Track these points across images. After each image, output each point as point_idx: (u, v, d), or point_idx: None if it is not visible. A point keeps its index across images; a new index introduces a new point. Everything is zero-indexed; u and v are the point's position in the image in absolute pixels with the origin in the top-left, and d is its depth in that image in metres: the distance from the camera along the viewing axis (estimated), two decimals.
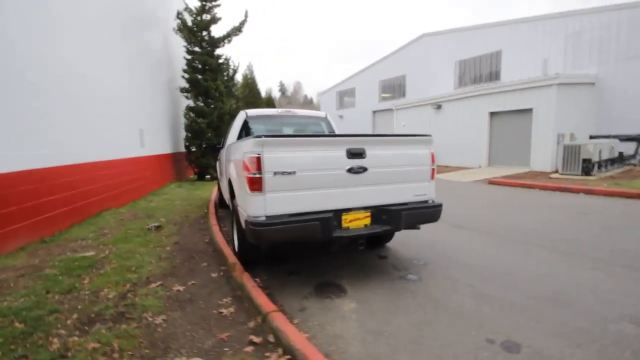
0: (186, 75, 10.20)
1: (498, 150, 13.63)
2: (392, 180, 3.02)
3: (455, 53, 18.10)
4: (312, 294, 2.85)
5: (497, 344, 2.12)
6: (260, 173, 2.55)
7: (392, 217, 2.96)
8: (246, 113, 4.62)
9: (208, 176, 11.27)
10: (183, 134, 10.88)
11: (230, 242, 4.09)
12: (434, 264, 3.49)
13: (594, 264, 3.36)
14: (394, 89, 22.17)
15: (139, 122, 7.85)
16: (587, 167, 9.58)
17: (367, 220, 2.98)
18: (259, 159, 2.56)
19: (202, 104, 10.22)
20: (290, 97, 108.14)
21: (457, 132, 14.85)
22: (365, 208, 2.95)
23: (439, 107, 15.70)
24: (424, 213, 3.11)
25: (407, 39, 21.40)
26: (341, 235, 2.80)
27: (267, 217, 2.61)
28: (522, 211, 6.04)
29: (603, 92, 13.01)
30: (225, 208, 6.51)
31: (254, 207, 2.61)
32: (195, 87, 10.19)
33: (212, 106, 10.43)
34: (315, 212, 2.75)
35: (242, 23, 10.53)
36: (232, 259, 3.40)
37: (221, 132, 10.83)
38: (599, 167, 10.09)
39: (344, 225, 2.87)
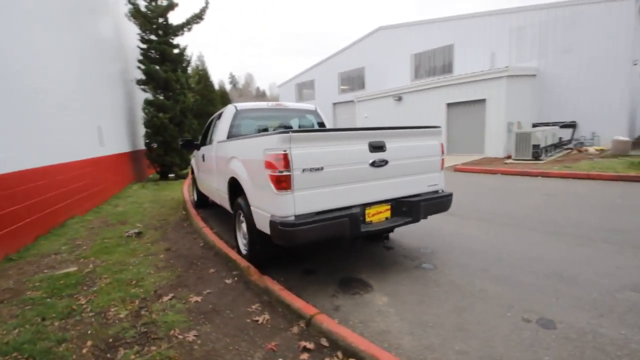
0: (142, 67, 9.34)
1: (455, 139, 14.49)
2: (409, 172, 3.05)
3: (411, 46, 18.78)
4: (339, 292, 2.79)
5: (533, 322, 2.25)
6: (288, 170, 2.41)
7: (412, 209, 3.00)
8: (235, 107, 4.35)
9: (172, 175, 10.54)
10: (141, 130, 10.01)
11: (228, 244, 3.86)
12: (441, 251, 3.62)
13: (580, 241, 3.71)
14: (353, 80, 22.47)
15: (96, 118, 7.05)
16: (537, 152, 10.59)
17: (388, 214, 2.98)
18: (286, 156, 2.41)
19: (162, 98, 9.44)
20: (242, 90, 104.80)
21: (417, 123, 15.50)
22: (385, 201, 2.95)
23: (399, 98, 16.24)
24: (438, 203, 3.19)
25: (362, 32, 21.81)
26: (368, 230, 2.77)
27: (296, 216, 2.49)
28: (497, 196, 6.49)
29: (543, 83, 14.40)
30: (205, 208, 6.18)
31: (282, 206, 2.47)
32: (153, 79, 9.38)
33: (174, 100, 9.70)
34: (342, 208, 2.69)
35: (203, 10, 9.86)
36: (242, 262, 3.21)
37: (184, 127, 10.18)
38: (546, 152, 11.21)
39: (367, 219, 2.85)
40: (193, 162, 6.37)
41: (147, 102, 9.44)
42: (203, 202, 6.32)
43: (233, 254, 3.45)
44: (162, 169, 10.19)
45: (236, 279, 3.03)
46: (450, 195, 3.29)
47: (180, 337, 2.14)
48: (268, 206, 2.62)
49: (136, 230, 4.68)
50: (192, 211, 5.74)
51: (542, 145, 10.74)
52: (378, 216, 2.91)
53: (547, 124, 13.75)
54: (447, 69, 17.46)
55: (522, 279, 2.87)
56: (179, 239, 4.40)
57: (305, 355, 1.93)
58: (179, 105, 9.71)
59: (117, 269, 3.32)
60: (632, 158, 8.79)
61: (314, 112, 5.00)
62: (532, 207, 5.32)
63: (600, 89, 13.00)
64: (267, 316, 2.36)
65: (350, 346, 1.89)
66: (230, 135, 4.23)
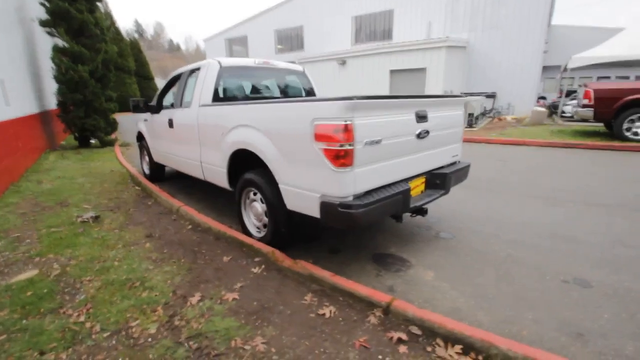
0: (47, 4, 7.19)
1: None
2: (442, 143, 2.96)
3: (352, 8, 18.33)
4: (381, 270, 2.66)
5: (571, 283, 2.46)
6: (351, 144, 2.08)
7: (444, 181, 2.94)
8: (219, 62, 3.62)
9: (93, 140, 8.80)
10: (50, 85, 7.96)
11: (232, 227, 3.38)
12: (448, 219, 3.72)
13: (562, 205, 4.16)
14: (291, 40, 21.27)
15: None
16: (471, 120, 11.65)
17: (422, 187, 2.88)
18: (350, 127, 2.06)
19: (78, 46, 7.51)
20: (151, 41, 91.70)
21: (361, 88, 15.60)
22: (421, 174, 2.83)
23: (343, 62, 15.99)
24: (462, 174, 3.20)
25: None
26: (415, 205, 2.64)
27: (354, 196, 2.20)
28: None
29: (471, 55, 15.62)
30: (162, 181, 5.34)
31: (340, 185, 2.15)
32: (63, 21, 7.34)
33: (94, 49, 7.83)
34: (392, 184, 2.48)
35: None
36: (261, 246, 2.81)
37: (107, 83, 8.44)
38: (476, 119, 12.42)
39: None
40: (143, 127, 5.32)
41: (58, 50, 7.41)
42: (158, 175, 5.44)
43: (244, 238, 3.01)
44: (82, 135, 8.41)
45: (263, 266, 2.65)
46: (469, 165, 3.33)
47: (247, 347, 1.78)
48: (317, 185, 2.26)
49: (92, 214, 3.77)
50: (152, 186, 4.87)
51: (476, 113, 11.85)
52: (415, 190, 2.79)
53: (473, 94, 15.15)
54: (387, 34, 17.63)
55: (534, 242, 3.11)
56: (154, 222, 3.69)
57: (403, 348, 1.78)
58: (101, 55, 7.89)
59: (99, 268, 2.62)
60: (549, 126, 10.31)
61: (303, 74, 4.50)
62: (496, 171, 5.83)
63: (517, 65, 14.66)
64: (331, 308, 2.11)
65: (452, 332, 1.79)
66: (217, 98, 3.56)
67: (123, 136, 10.60)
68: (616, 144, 7.17)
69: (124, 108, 15.22)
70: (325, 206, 2.21)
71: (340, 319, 2.04)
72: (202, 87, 3.59)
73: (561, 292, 2.33)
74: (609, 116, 7.38)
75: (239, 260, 2.76)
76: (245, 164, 3.11)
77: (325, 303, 2.18)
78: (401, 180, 2.57)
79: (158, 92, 4.74)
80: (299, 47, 20.93)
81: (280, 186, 2.57)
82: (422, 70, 13.82)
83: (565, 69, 15.20)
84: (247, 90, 3.95)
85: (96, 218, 3.74)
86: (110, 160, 7.17)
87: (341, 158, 2.10)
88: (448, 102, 2.95)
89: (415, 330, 1.90)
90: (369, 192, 2.30)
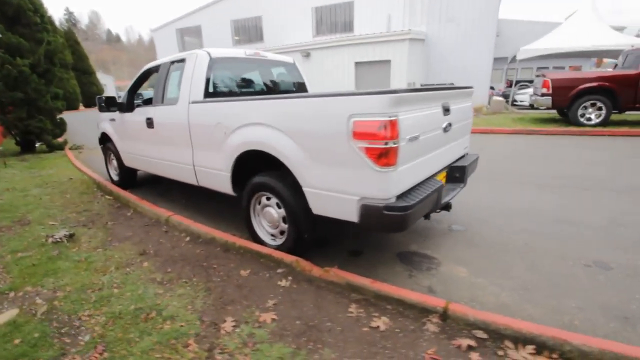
0: None
1: None
2: (459, 135, 2.91)
3: None
4: (412, 270, 2.56)
5: (593, 267, 2.54)
6: (395, 141, 1.92)
7: (463, 174, 2.91)
8: (209, 53, 3.25)
9: (39, 144, 7.74)
10: None
11: (242, 236, 3.08)
12: (452, 210, 3.73)
13: (553, 190, 4.36)
14: (249, 31, 20.42)
15: None
16: None
17: (444, 181, 2.82)
18: (395, 123, 1.90)
19: (15, 36, 6.45)
20: (86, 32, 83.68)
21: (326, 80, 15.46)
22: (443, 168, 2.76)
23: (307, 54, 15.70)
24: (475, 165, 3.19)
25: None
26: (445, 200, 2.56)
27: (397, 197, 2.06)
28: None
29: (429, 47, 16.13)
30: (134, 187, 4.81)
31: (384, 186, 1.99)
32: None
33: (33, 39, 6.80)
34: (424, 181, 2.38)
35: None
36: (284, 256, 2.57)
37: (52, 79, 7.42)
38: None
39: None
40: (109, 128, 4.71)
41: None
42: (129, 181, 4.89)
43: (260, 247, 2.74)
44: (26, 138, 7.34)
45: (290, 278, 2.42)
46: (478, 156, 3.34)
47: None
48: (354, 187, 2.08)
49: (64, 232, 3.23)
50: (127, 194, 4.34)
51: None
52: None
53: (432, 85, 15.73)
54: (349, 27, 17.59)
55: (544, 229, 3.20)
56: (142, 236, 3.26)
57: (475, 356, 1.68)
58: (43, 46, 6.88)
59: (96, 298, 2.22)
60: (508, 115, 10.97)
61: (293, 67, 4.24)
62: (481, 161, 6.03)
63: (471, 57, 15.41)
64: (384, 319, 1.96)
65: (519, 332, 1.73)
66: (208, 93, 3.20)
67: (72, 138, 9.46)
68: (574, 129, 7.80)
69: (67, 106, 13.62)
70: (367, 209, 2.03)
71: (397, 330, 1.89)
72: (190, 82, 3.20)
73: (589, 277, 2.40)
74: (565, 104, 7.99)
75: (260, 274, 2.50)
76: (253, 167, 2.83)
77: (374, 314, 2.03)
78: (430, 177, 2.48)
79: (128, 88, 4.20)
80: (258, 39, 20.19)
81: (305, 189, 2.34)
82: (387, 62, 14.00)
83: (513, 60, 16.31)
84: (240, 84, 3.61)
85: (71, 236, 3.21)
86: (65, 167, 6.33)
87: (385, 157, 1.93)
88: (464, 93, 2.90)
89: (480, 334, 1.82)
90: (406, 192, 2.18)
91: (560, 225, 3.25)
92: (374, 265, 2.67)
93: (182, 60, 3.37)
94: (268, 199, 2.71)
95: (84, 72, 26.03)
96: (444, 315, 1.93)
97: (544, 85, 8.16)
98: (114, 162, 4.97)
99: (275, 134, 2.40)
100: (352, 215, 2.14)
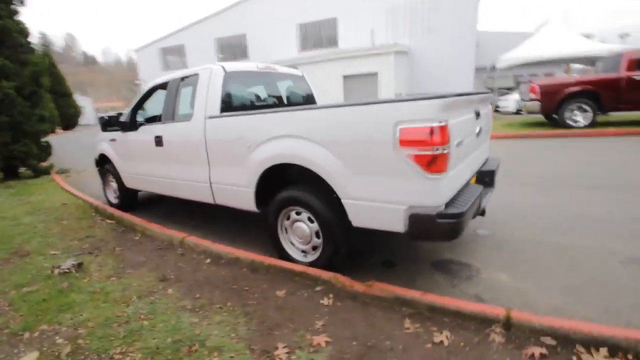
0: None
1: None
2: (485, 140, 2.91)
3: (296, 16, 18.31)
4: (453, 279, 2.48)
5: (629, 263, 2.52)
6: (445, 147, 1.87)
7: (492, 178, 2.89)
8: (224, 68, 3.16)
9: (23, 169, 7.34)
10: None
11: (270, 254, 2.93)
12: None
13: (562, 190, 4.39)
14: (234, 49, 20.50)
15: None
16: None
17: None
18: (445, 129, 1.85)
19: (0, 58, 6.17)
20: (62, 54, 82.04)
21: (315, 94, 15.54)
22: (474, 173, 2.73)
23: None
24: (498, 169, 3.19)
25: None
26: (483, 207, 2.51)
27: (445, 205, 1.99)
28: None
29: (413, 59, 16.61)
30: (134, 209, 4.57)
31: (435, 194, 1.92)
32: None
33: (18, 61, 6.52)
34: (463, 187, 2.33)
35: None
36: (321, 272, 2.44)
37: (39, 102, 7.13)
38: None
39: None
40: (108, 149, 4.50)
41: None
42: (131, 203, 4.66)
43: (293, 265, 2.60)
44: (9, 164, 6.94)
45: (331, 295, 2.29)
46: (500, 160, 3.35)
47: None
48: (401, 196, 2.00)
49: (72, 262, 2.99)
50: (132, 217, 4.11)
51: None
52: None
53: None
54: (333, 42, 17.94)
55: (567, 227, 3.18)
56: (158, 261, 3.06)
57: None
58: (28, 68, 6.61)
59: (126, 333, 2.01)
60: (495, 120, 11.24)
61: (302, 79, 4.20)
62: None
63: (453, 67, 15.94)
64: (445, 333, 1.86)
65: (589, 335, 1.66)
66: (225, 108, 3.09)
67: (56, 162, 9.04)
68: (564, 131, 8.06)
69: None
70: (417, 218, 1.95)
71: (462, 344, 1.79)
72: (206, 97, 3.09)
73: (628, 274, 2.38)
74: (553, 107, 8.28)
75: (298, 293, 2.36)
76: (279, 181, 2.72)
77: (432, 328, 1.92)
78: (467, 182, 2.44)
79: (132, 107, 4.04)
80: (243, 56, 20.27)
81: (345, 201, 2.24)
82: (374, 74, 14.27)
83: (492, 69, 16.95)
84: (254, 98, 3.52)
85: (79, 266, 2.97)
86: (55, 192, 6.00)
87: (436, 164, 1.87)
88: (487, 98, 2.91)
89: (548, 340, 1.74)
90: (452, 199, 2.12)
91: (580, 223, 3.26)
92: (412, 276, 2.57)
93: (194, 75, 3.27)
94: (298, 213, 2.59)
95: (62, 94, 25.29)
96: (507, 324, 1.84)
97: (532, 90, 8.45)
98: (113, 185, 4.73)
99: (309, 145, 2.31)
100: (397, 225, 2.06)
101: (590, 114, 8.01)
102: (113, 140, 4.34)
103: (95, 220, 4.38)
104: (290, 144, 2.41)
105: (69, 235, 3.88)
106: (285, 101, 3.92)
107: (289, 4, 18.26)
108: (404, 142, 1.91)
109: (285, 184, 2.71)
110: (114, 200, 4.82)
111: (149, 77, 23.37)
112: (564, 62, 22.68)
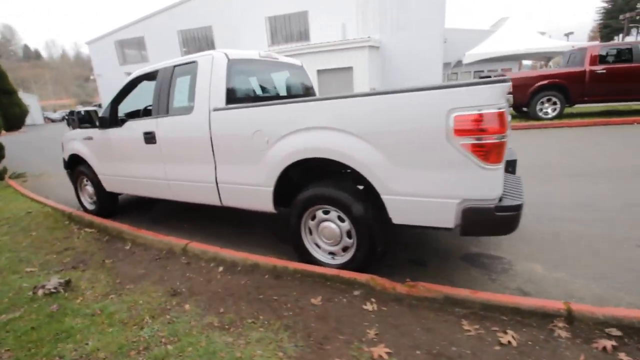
0: None
1: None
2: None
3: (265, 8, 17.76)
4: (490, 274, 2.41)
5: None
6: (503, 135, 1.76)
7: (514, 167, 2.86)
8: (226, 55, 2.85)
9: None
10: None
11: (297, 259, 2.69)
12: None
13: (553, 180, 4.53)
14: (199, 41, 19.51)
15: None
16: None
17: None
18: (503, 115, 1.74)
19: None
20: (0, 48, 74.26)
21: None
22: None
23: None
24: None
25: None
26: None
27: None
28: None
29: (384, 54, 16.76)
30: (114, 214, 4.11)
31: (493, 185, 1.81)
32: None
33: None
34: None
35: None
36: (356, 275, 2.27)
37: None
38: None
39: None
40: (83, 148, 3.99)
41: None
42: (111, 208, 4.20)
43: (324, 269, 2.39)
44: None
45: (373, 300, 2.11)
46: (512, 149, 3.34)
47: None
48: (453, 189, 1.87)
49: (58, 280, 2.57)
50: (118, 225, 3.66)
51: None
52: None
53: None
54: (304, 36, 17.64)
55: (574, 216, 3.24)
56: (161, 273, 2.71)
57: (622, 356, 1.55)
58: None
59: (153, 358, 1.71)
60: None
61: (302, 70, 3.96)
62: None
63: (423, 62, 16.30)
64: (510, 332, 1.76)
65: None
66: (230, 99, 2.80)
67: (9, 165, 8.04)
68: (535, 123, 8.47)
69: None
70: (473, 212, 1.83)
71: (530, 343, 1.70)
72: (209, 87, 2.77)
73: None
74: (525, 100, 8.66)
75: (335, 299, 2.16)
76: (299, 178, 2.50)
77: (494, 328, 1.82)
78: None
79: (111, 100, 3.58)
80: (209, 49, 19.30)
81: (385, 197, 2.08)
82: (348, 69, 14.20)
83: (457, 64, 17.54)
84: (259, 88, 3.24)
85: (67, 284, 2.56)
86: (14, 199, 5.27)
87: (494, 153, 1.76)
88: None
89: (614, 332, 1.69)
90: None
91: (583, 211, 3.33)
92: (446, 272, 2.48)
93: (192, 63, 2.93)
94: (326, 212, 2.39)
95: (4, 91, 22.74)
96: (569, 318, 1.78)
97: None
98: (89, 189, 4.21)
99: (344, 137, 2.11)
100: (447, 220, 1.93)
101: (558, 106, 8.48)
102: (89, 138, 3.84)
103: (71, 230, 3.86)
104: (321, 136, 2.19)
105: (43, 248, 3.38)
106: (287, 92, 3.66)
107: None
108: (459, 131, 1.78)
109: (305, 181, 2.50)
110: (90, 206, 4.30)
111: (106, 71, 21.69)
112: (522, 58, 24.11)
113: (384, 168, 2.03)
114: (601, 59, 8.00)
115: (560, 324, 1.78)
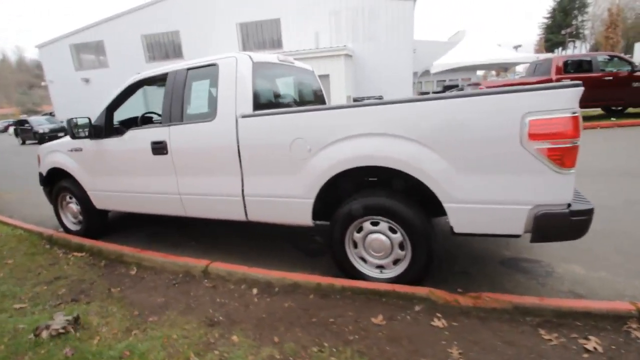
0: None
1: None
2: None
3: (236, 15, 17.41)
4: (536, 277, 2.41)
5: None
6: (578, 140, 1.74)
7: None
8: (251, 58, 2.65)
9: None
10: None
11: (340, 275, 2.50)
12: None
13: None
14: (165, 46, 18.66)
15: None
16: None
17: None
18: (578, 119, 1.72)
19: None
20: None
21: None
22: None
23: None
24: None
25: None
26: None
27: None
28: None
29: (357, 63, 17.07)
30: (103, 234, 3.69)
31: (567, 191, 1.79)
32: None
33: None
34: None
35: None
36: (414, 289, 2.14)
37: None
38: None
39: None
40: (69, 161, 3.53)
41: None
42: (100, 227, 3.77)
43: (373, 284, 2.24)
44: None
45: (439, 315, 2.00)
46: None
47: None
48: (525, 195, 1.83)
49: (64, 317, 2.17)
50: (117, 247, 3.25)
51: None
52: None
53: (362, 98, 16.63)
54: (277, 43, 17.51)
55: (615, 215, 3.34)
56: (187, 301, 2.40)
57: None
58: None
59: None
60: None
61: (313, 75, 3.81)
62: None
63: (394, 72, 16.79)
64: (593, 339, 1.71)
65: None
66: (257, 104, 2.60)
67: None
68: None
69: None
70: (548, 218, 1.79)
71: (612, 346, 1.67)
72: (235, 92, 2.55)
73: None
74: None
75: (398, 317, 2.02)
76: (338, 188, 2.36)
77: (572, 335, 1.77)
78: None
79: (106, 107, 3.21)
80: (177, 55, 18.57)
81: (449, 206, 1.99)
82: (325, 76, 14.23)
83: (424, 74, 18.28)
84: (282, 93, 3.05)
85: (76, 321, 2.17)
86: None
87: (569, 157, 1.74)
88: None
89: None
90: None
91: (600, 210, 3.48)
92: (493, 279, 2.44)
93: (211, 66, 2.69)
94: (374, 223, 2.25)
95: None
96: None
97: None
98: (72, 207, 3.73)
99: (402, 144, 2.00)
100: (516, 227, 1.88)
101: None
102: (76, 150, 3.40)
103: (56, 255, 3.37)
104: (376, 143, 2.06)
105: (28, 278, 2.90)
106: (302, 98, 3.50)
107: (226, 1, 17.27)
108: (535, 135, 1.74)
109: (347, 191, 2.36)
110: (74, 227, 3.81)
111: (59, 77, 20.01)
112: (483, 69, 25.70)
113: (449, 175, 1.94)
114: (565, 69, 8.68)
115: (634, 325, 1.78)
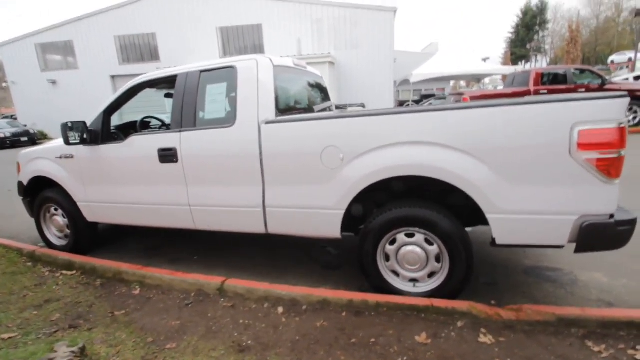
0: None
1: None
2: None
3: (216, 19, 17.03)
4: (564, 286, 2.41)
5: None
6: (624, 150, 1.75)
7: None
8: (272, 61, 2.52)
9: None
10: None
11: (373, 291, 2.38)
12: None
13: None
14: (141, 48, 17.88)
15: None
16: None
17: None
18: (624, 130, 1.73)
19: None
20: None
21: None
22: None
23: None
24: None
25: None
26: None
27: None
28: None
29: (339, 70, 17.17)
30: (93, 249, 3.42)
31: (613, 200, 1.79)
32: None
33: None
34: None
35: None
36: (455, 304, 2.07)
37: None
38: None
39: None
40: (57, 169, 3.20)
41: None
42: (90, 242, 3.46)
43: (411, 300, 2.14)
44: None
45: (484, 330, 1.93)
46: None
47: None
48: (571, 205, 1.82)
49: (67, 347, 1.90)
50: (113, 263, 2.96)
51: None
52: None
53: (344, 106, 16.73)
54: (259, 49, 17.28)
55: None
56: (206, 324, 2.20)
57: None
58: None
59: None
60: None
61: (322, 80, 3.72)
62: None
63: (375, 80, 17.02)
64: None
65: None
66: (278, 109, 2.47)
67: None
68: None
69: None
70: (594, 228, 1.78)
71: None
72: (256, 96, 2.40)
73: None
74: None
75: (442, 334, 1.93)
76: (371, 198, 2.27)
77: (620, 346, 1.76)
78: None
79: (103, 110, 2.95)
80: (153, 58, 17.86)
81: (492, 216, 1.94)
82: None
83: (403, 83, 18.69)
84: (300, 98, 2.93)
85: (82, 352, 1.91)
86: None
87: (616, 168, 1.74)
88: None
89: None
90: None
91: None
92: (522, 289, 2.42)
93: (228, 69, 2.52)
94: (409, 235, 2.17)
95: None
96: None
97: (464, 101, 9.52)
98: (58, 220, 3.38)
99: (445, 153, 1.94)
100: (561, 237, 1.87)
101: None
102: (67, 157, 3.08)
103: (41, 274, 3.03)
104: (415, 152, 1.98)
105: (12, 302, 2.56)
106: (313, 103, 3.39)
107: (206, 4, 16.87)
108: (584, 145, 1.73)
109: (376, 202, 2.28)
110: (58, 242, 3.45)
111: (22, 78, 18.68)
112: (460, 79, 26.69)
113: (493, 185, 1.89)
114: (542, 81, 9.14)
115: None
